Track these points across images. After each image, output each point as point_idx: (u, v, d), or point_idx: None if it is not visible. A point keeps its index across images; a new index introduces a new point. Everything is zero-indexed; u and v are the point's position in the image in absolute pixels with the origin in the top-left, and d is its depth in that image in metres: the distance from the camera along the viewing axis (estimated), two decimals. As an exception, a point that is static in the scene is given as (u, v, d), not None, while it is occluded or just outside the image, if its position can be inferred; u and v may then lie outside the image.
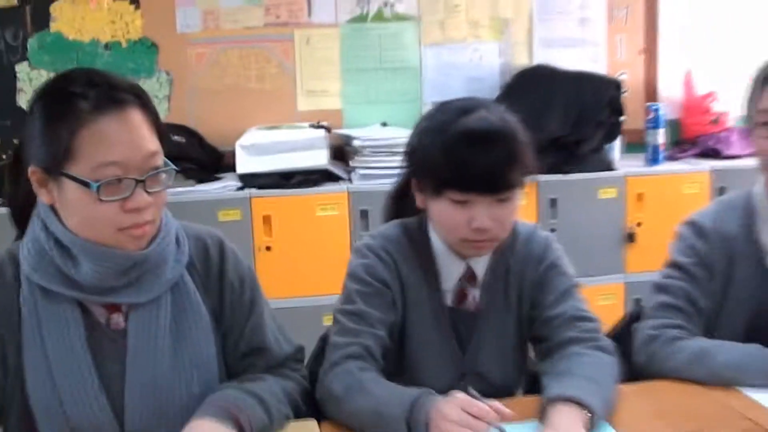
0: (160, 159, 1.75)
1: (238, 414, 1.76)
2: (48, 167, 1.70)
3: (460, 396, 1.74)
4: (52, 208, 1.76)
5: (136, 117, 1.71)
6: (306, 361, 2.18)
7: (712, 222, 2.28)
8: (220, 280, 1.95)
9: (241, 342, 1.97)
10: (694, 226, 2.30)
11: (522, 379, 2.24)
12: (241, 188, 4.13)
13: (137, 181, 1.69)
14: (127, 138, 1.69)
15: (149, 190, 1.71)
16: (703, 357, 2.09)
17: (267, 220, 4.07)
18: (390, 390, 1.88)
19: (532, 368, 2.31)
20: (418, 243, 2.13)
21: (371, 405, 1.85)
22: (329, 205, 4.11)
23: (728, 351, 2.10)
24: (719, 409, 1.92)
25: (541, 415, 1.81)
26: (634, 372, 2.22)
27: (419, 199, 2.09)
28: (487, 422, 1.69)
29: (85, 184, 1.66)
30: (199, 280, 1.93)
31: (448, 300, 2.12)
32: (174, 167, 1.78)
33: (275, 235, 4.07)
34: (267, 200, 4.09)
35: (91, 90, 1.68)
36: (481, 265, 2.10)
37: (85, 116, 1.66)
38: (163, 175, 1.76)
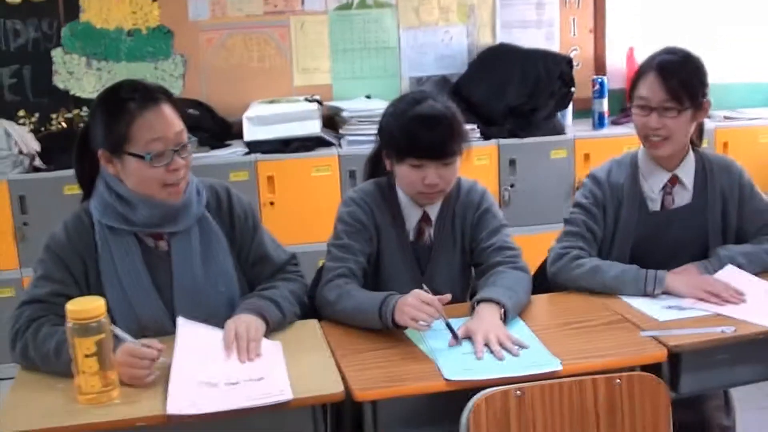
0: (185, 134, 2.41)
1: (263, 312, 2.41)
2: (113, 149, 2.38)
3: (417, 291, 2.39)
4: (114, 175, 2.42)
5: (167, 108, 2.39)
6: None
7: (606, 174, 2.91)
8: (230, 214, 2.59)
9: (249, 254, 2.60)
10: (593, 177, 2.92)
11: (467, 294, 2.85)
12: (248, 153, 4.55)
13: (174, 151, 2.36)
14: (163, 123, 2.36)
15: (182, 156, 2.38)
16: (596, 272, 2.72)
17: (270, 180, 4.49)
18: (367, 294, 2.53)
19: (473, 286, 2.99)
20: (387, 195, 2.73)
21: (354, 305, 2.49)
22: (322, 166, 4.53)
23: (614, 268, 2.72)
24: (594, 307, 2.61)
25: (471, 312, 2.48)
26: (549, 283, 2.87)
27: (388, 164, 2.69)
28: (436, 311, 2.32)
29: (141, 157, 2.33)
30: (215, 215, 2.56)
31: (411, 236, 2.73)
32: (194, 138, 2.46)
33: (277, 192, 4.50)
34: (270, 163, 4.51)
35: (134, 94, 2.37)
36: (434, 210, 2.71)
37: (134, 112, 2.34)
38: (189, 146, 2.42)
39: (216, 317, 2.43)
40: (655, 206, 2.89)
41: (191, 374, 2.14)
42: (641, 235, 2.88)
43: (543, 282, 2.91)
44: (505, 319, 2.45)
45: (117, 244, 2.44)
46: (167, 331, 2.40)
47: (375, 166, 2.85)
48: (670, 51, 2.84)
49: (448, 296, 2.41)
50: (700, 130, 2.97)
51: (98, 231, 2.44)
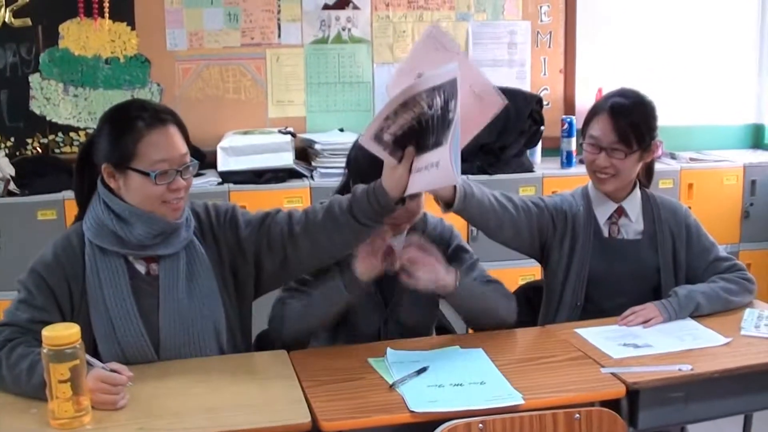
0: (189, 157, 2.50)
1: None
2: (117, 164, 2.44)
3: None
4: (112, 192, 2.46)
5: (173, 130, 2.48)
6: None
7: (560, 199, 3.07)
8: (212, 230, 2.64)
9: (271, 237, 2.64)
10: (546, 197, 3.08)
11: (432, 326, 2.93)
12: (221, 183, 4.55)
13: (177, 171, 2.44)
14: (169, 143, 2.45)
15: (183, 177, 2.46)
16: None
17: None
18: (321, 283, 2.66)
19: (443, 323, 3.05)
20: None
21: (316, 295, 2.62)
22: (294, 198, 4.55)
23: None
24: (557, 343, 2.70)
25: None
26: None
27: None
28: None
29: (146, 174, 2.40)
30: (200, 237, 2.61)
31: None
32: (196, 161, 2.52)
33: None
34: (242, 194, 4.50)
35: (144, 113, 2.45)
36: (399, 242, 2.73)
37: (142, 131, 2.42)
38: (191, 167, 2.50)
39: (201, 341, 2.49)
40: (606, 234, 3.03)
41: None
42: (596, 261, 3.00)
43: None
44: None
45: (105, 266, 2.48)
46: (147, 358, 2.46)
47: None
48: (622, 93, 2.98)
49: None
50: (649, 170, 3.13)
51: (88, 252, 2.49)
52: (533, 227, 2.98)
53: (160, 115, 2.47)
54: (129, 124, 2.43)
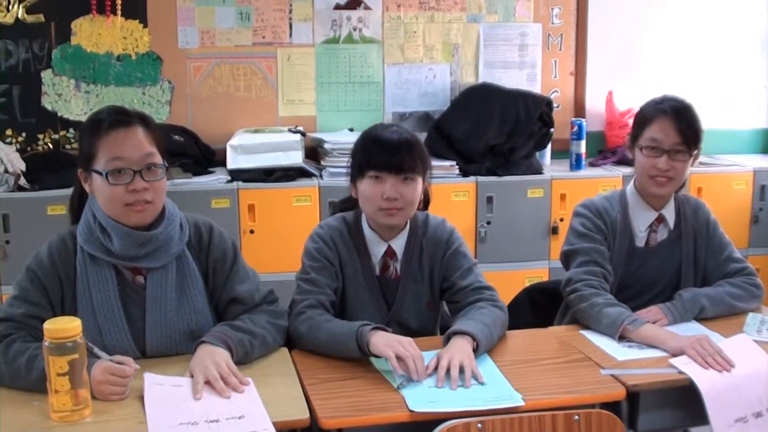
0: (156, 158, 2.46)
1: (227, 340, 2.44)
2: (84, 166, 2.46)
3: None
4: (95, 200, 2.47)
5: (138, 131, 2.45)
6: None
7: (602, 206, 3.05)
8: (207, 253, 2.63)
9: (222, 295, 2.63)
10: (591, 207, 3.06)
11: (437, 327, 2.92)
12: (230, 181, 4.56)
13: (135, 171, 2.41)
14: (128, 143, 2.42)
15: (146, 179, 2.42)
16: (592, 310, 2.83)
17: (251, 208, 4.50)
18: (339, 324, 2.58)
19: (447, 322, 3.05)
20: (353, 230, 2.80)
21: (328, 336, 2.55)
22: (303, 197, 4.54)
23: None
24: (559, 345, 2.71)
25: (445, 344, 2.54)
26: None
27: (353, 191, 2.76)
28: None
29: (101, 174, 2.40)
30: (195, 253, 2.61)
31: (376, 270, 2.80)
32: (166, 164, 2.49)
33: (258, 220, 4.51)
34: (251, 192, 4.53)
35: (109, 116, 2.45)
36: (399, 244, 2.79)
37: (103, 131, 2.42)
38: (159, 170, 2.46)
39: (186, 355, 2.46)
40: (640, 242, 3.04)
41: (169, 419, 2.13)
42: (627, 269, 3.02)
43: (513, 318, 2.98)
44: (475, 353, 2.52)
45: (95, 272, 2.49)
46: None
47: (346, 200, 2.94)
48: (673, 98, 3.00)
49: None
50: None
51: (79, 257, 2.50)
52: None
53: (124, 117, 2.47)
54: (95, 125, 2.45)
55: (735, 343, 2.65)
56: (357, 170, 2.72)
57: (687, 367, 2.51)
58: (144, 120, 2.50)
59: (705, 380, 2.45)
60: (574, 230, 3.05)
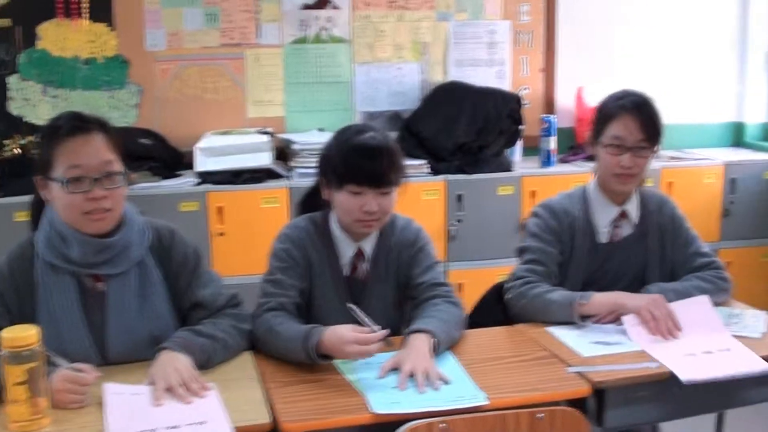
0: (116, 166, 2.42)
1: (188, 344, 2.42)
2: (41, 174, 2.42)
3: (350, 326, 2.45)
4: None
5: (97, 138, 2.41)
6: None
7: (560, 205, 3.05)
8: (170, 258, 2.60)
9: (184, 300, 2.60)
10: (547, 207, 3.06)
11: (403, 328, 2.85)
12: (199, 184, 4.55)
13: (96, 180, 2.38)
14: (87, 151, 2.38)
15: (105, 187, 2.39)
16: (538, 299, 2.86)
17: (220, 210, 4.49)
18: (292, 328, 2.55)
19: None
20: (321, 231, 2.78)
21: (280, 342, 2.53)
22: (272, 198, 4.53)
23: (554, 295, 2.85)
24: (525, 342, 2.70)
25: (403, 344, 2.53)
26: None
27: (326, 193, 2.73)
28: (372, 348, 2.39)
29: (59, 182, 2.37)
30: (156, 258, 2.58)
31: (345, 271, 2.78)
32: (126, 171, 2.46)
33: (227, 223, 4.50)
34: (220, 194, 4.51)
35: (67, 122, 2.41)
36: (368, 245, 2.77)
37: (61, 138, 2.38)
38: (118, 177, 2.43)
39: (148, 361, 2.42)
40: (603, 238, 3.03)
41: (128, 427, 2.10)
42: (591, 265, 3.02)
43: (482, 315, 3.00)
44: (437, 350, 2.51)
45: (55, 280, 2.46)
46: None
47: (311, 200, 2.91)
48: (633, 93, 2.99)
49: (384, 332, 2.46)
50: None
51: (39, 265, 2.47)
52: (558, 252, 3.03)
53: (83, 123, 2.42)
54: (52, 132, 2.42)
55: (691, 304, 2.82)
56: (336, 179, 2.67)
57: (634, 330, 2.69)
58: (103, 126, 2.46)
59: (652, 349, 2.61)
60: (528, 229, 3.08)
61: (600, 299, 2.80)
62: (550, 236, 3.01)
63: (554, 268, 3.00)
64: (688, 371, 2.48)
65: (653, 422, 2.91)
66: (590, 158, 4.97)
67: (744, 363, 2.56)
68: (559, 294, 2.86)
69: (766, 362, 2.55)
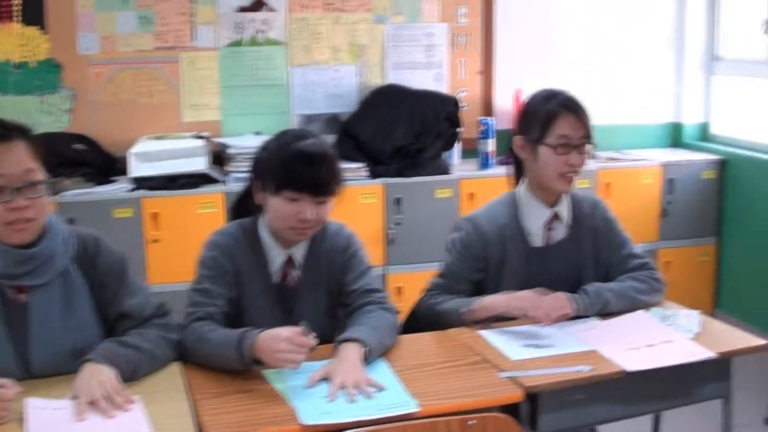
0: (39, 175, 2.35)
1: (113, 356, 2.37)
2: None
3: (290, 331, 2.40)
4: None
5: (19, 146, 2.33)
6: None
7: (486, 216, 3.02)
8: (95, 267, 2.53)
9: (110, 310, 2.54)
10: (472, 222, 3.02)
11: (336, 334, 2.79)
12: (133, 189, 4.49)
13: (17, 189, 2.30)
14: (8, 159, 2.30)
15: (27, 196, 2.32)
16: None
17: (155, 216, 4.45)
18: (223, 333, 2.51)
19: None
20: (250, 237, 2.73)
21: (210, 348, 2.49)
22: (208, 203, 4.51)
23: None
24: (458, 348, 2.67)
25: (334, 353, 2.50)
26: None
27: (259, 197, 2.68)
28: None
29: None
30: (81, 268, 2.51)
31: (274, 278, 2.73)
32: (49, 179, 2.38)
33: (162, 229, 4.46)
34: (155, 200, 4.47)
35: None
36: (299, 252, 2.73)
37: None
38: (41, 186, 2.35)
39: (73, 372, 2.37)
40: (537, 242, 3.01)
41: None
42: (526, 270, 3.00)
43: (417, 321, 2.99)
44: (368, 359, 2.49)
45: None
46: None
47: (244, 204, 2.85)
48: (561, 92, 2.98)
49: (315, 341, 2.43)
50: None
51: None
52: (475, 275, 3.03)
53: (5, 131, 2.35)
54: None
55: (629, 317, 2.87)
56: (273, 184, 2.61)
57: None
58: (25, 133, 2.39)
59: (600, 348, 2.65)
60: (446, 243, 3.08)
61: (489, 303, 2.84)
62: (465, 251, 2.99)
63: (463, 286, 2.99)
64: (632, 362, 2.50)
65: (590, 425, 2.90)
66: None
67: (687, 352, 2.58)
68: (450, 303, 2.89)
69: (708, 350, 2.58)
